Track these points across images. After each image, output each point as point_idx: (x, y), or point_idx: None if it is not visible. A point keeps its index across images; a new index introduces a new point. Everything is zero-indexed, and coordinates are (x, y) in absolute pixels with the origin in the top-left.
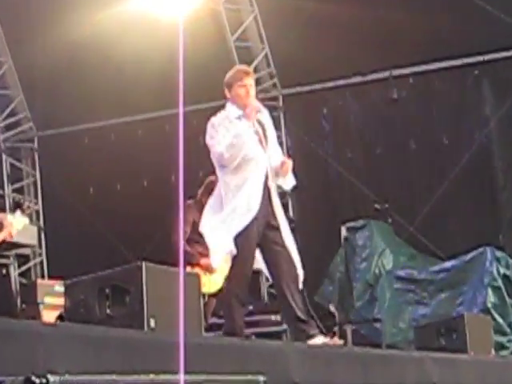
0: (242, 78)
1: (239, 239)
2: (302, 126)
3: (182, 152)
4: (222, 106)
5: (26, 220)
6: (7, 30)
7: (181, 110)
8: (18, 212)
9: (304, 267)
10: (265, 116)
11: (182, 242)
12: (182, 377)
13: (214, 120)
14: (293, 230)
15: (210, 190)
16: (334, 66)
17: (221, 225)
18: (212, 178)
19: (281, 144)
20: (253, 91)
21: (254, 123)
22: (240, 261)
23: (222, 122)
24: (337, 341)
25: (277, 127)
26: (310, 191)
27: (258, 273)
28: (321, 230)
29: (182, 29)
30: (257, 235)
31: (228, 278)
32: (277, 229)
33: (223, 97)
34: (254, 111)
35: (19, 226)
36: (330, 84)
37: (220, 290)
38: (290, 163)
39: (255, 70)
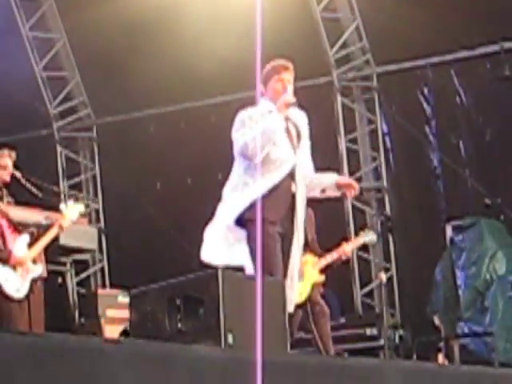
0: (279, 71)
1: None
2: (400, 108)
3: None
4: (307, 87)
5: (81, 207)
6: (59, 2)
7: (258, 92)
8: (71, 201)
9: (405, 274)
10: (301, 118)
11: (259, 247)
12: None
13: (242, 113)
14: (390, 230)
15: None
16: (435, 40)
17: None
18: None
19: (375, 130)
20: (290, 88)
21: (288, 122)
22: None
23: (251, 115)
24: None
25: (370, 110)
26: (410, 184)
27: (350, 280)
28: (422, 230)
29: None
30: (275, 242)
31: None
32: (289, 244)
33: (305, 76)
34: (286, 103)
35: (73, 216)
36: (432, 60)
37: (308, 300)
38: (355, 186)
39: (344, 45)
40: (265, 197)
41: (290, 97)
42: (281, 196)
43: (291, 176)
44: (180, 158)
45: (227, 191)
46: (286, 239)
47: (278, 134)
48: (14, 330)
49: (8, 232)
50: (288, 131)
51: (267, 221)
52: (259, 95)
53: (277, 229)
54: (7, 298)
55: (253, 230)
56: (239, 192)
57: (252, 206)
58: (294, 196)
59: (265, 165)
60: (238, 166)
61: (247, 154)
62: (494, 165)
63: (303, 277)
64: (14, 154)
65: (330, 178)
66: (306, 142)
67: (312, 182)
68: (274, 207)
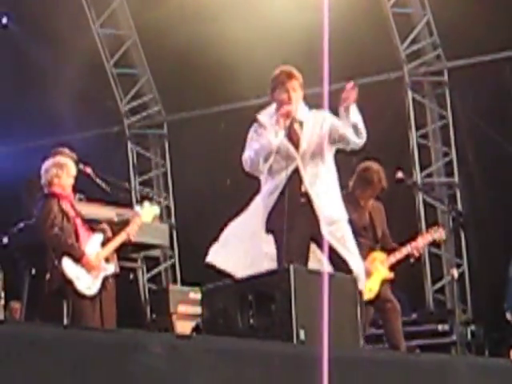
0: (284, 81)
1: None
2: (473, 104)
3: None
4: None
5: (157, 210)
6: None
7: (326, 87)
8: (147, 202)
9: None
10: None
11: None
12: None
13: (254, 124)
14: (462, 226)
15: (364, 181)
16: (508, 33)
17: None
18: (367, 164)
19: (447, 125)
20: (296, 95)
21: (294, 122)
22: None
23: (256, 129)
24: None
25: (442, 106)
26: (484, 180)
27: (421, 276)
28: (494, 226)
29: None
30: (297, 249)
31: None
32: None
33: (376, 72)
34: (281, 118)
35: (148, 218)
36: (505, 54)
37: (378, 296)
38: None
39: (415, 40)
40: (277, 206)
41: (290, 107)
42: (291, 201)
43: (298, 175)
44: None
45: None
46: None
47: (278, 145)
48: (88, 327)
49: (82, 230)
50: (291, 133)
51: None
52: (327, 92)
53: (297, 234)
54: (79, 295)
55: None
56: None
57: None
58: (306, 194)
59: (271, 174)
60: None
61: (247, 170)
62: None
63: (373, 274)
64: (74, 155)
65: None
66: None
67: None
68: (289, 213)
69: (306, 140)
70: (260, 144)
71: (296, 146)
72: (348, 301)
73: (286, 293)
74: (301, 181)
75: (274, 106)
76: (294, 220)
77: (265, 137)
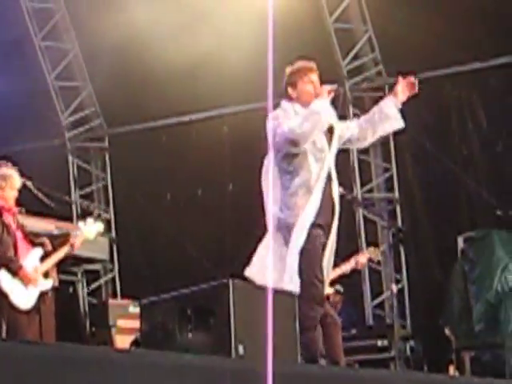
0: (307, 73)
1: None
2: (413, 120)
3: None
4: None
5: (100, 227)
6: (71, 11)
7: (270, 102)
8: (90, 219)
9: (416, 285)
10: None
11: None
12: None
13: (276, 112)
14: (401, 241)
15: None
16: (448, 51)
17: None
18: None
19: (387, 141)
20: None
21: None
22: (306, 280)
23: (287, 112)
24: None
25: None
26: (421, 195)
27: (361, 292)
28: (434, 242)
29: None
30: (320, 248)
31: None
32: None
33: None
34: (327, 92)
35: (91, 235)
36: (444, 71)
37: None
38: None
39: (357, 56)
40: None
41: (333, 86)
42: (326, 200)
43: (329, 177)
44: (190, 169)
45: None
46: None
47: (324, 121)
48: (24, 340)
49: (22, 244)
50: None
51: (315, 224)
52: (271, 106)
53: (321, 232)
54: (14, 308)
55: (294, 234)
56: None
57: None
58: (333, 200)
59: (310, 154)
60: (275, 164)
61: (294, 139)
62: (505, 176)
63: None
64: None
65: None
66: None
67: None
68: (322, 210)
69: (336, 139)
70: (310, 110)
71: (329, 142)
72: (287, 316)
73: (224, 307)
74: (331, 180)
75: (291, 107)
76: (322, 218)
77: (314, 104)
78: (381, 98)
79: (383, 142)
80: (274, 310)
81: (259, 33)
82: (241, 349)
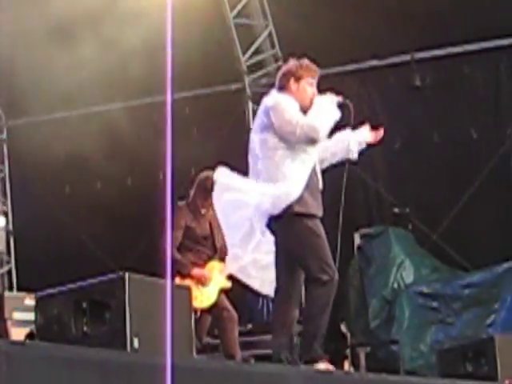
0: (313, 75)
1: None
2: None
3: (171, 145)
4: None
5: (1, 222)
6: None
7: (168, 97)
8: None
9: None
10: None
11: (169, 249)
12: None
13: (273, 100)
14: None
15: (204, 190)
16: (347, 48)
17: None
18: (207, 173)
19: None
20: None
21: None
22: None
23: (287, 104)
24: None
25: None
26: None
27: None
28: (330, 238)
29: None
30: (320, 233)
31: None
32: None
33: (217, 82)
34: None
35: None
36: (343, 68)
37: (216, 305)
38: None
39: (257, 51)
40: (306, 191)
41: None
42: (316, 191)
43: (315, 169)
44: (89, 162)
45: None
46: None
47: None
48: None
49: None
50: None
51: (312, 215)
52: (171, 100)
53: (318, 224)
54: None
55: (298, 224)
56: (280, 182)
57: (300, 200)
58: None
59: (302, 154)
60: (274, 152)
61: (313, 136)
62: (402, 173)
63: (210, 282)
64: None
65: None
66: None
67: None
68: (315, 201)
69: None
70: (330, 114)
71: None
72: (182, 310)
73: (120, 301)
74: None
75: (287, 97)
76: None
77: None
78: None
79: None
80: (170, 305)
81: (159, 27)
82: (136, 342)
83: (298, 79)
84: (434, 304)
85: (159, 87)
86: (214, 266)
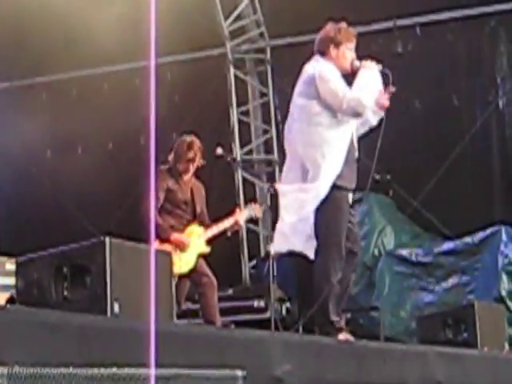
0: (352, 40)
1: (329, 210)
2: (293, 83)
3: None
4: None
5: None
6: None
7: (152, 61)
8: None
9: None
10: None
11: (153, 214)
12: (153, 371)
13: (317, 68)
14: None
15: (182, 154)
16: (328, 14)
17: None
18: (184, 138)
19: (267, 103)
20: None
21: None
22: (331, 237)
23: (331, 75)
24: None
25: (263, 83)
26: None
27: (238, 252)
28: None
29: None
30: (348, 208)
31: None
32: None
33: (199, 48)
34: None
35: None
36: None
37: (195, 271)
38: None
39: (239, 17)
40: (345, 164)
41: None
42: (352, 162)
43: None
44: (71, 126)
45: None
46: None
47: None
48: None
49: None
50: None
51: (346, 188)
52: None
53: (347, 196)
54: None
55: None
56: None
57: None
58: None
59: (345, 124)
60: (317, 120)
61: (359, 111)
62: (383, 140)
63: (189, 247)
64: None
65: None
66: None
67: None
68: (350, 172)
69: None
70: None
71: None
72: (163, 276)
73: (101, 265)
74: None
75: (326, 65)
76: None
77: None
78: (261, 60)
79: (263, 103)
80: (149, 269)
81: None
82: (116, 307)
83: (337, 45)
84: (415, 271)
85: (141, 52)
86: (193, 230)
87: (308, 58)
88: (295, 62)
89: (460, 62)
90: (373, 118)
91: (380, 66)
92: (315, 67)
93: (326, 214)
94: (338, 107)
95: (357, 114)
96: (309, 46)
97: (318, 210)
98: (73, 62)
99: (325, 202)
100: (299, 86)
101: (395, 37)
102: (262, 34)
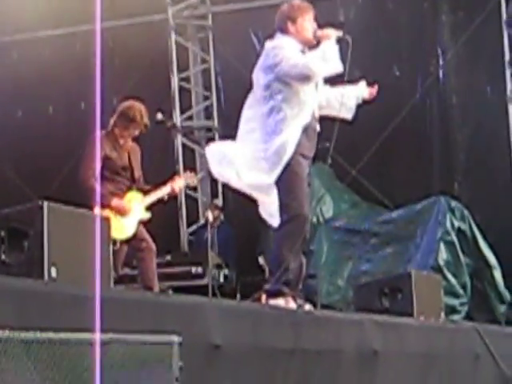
0: (308, 12)
1: (289, 177)
2: (234, 49)
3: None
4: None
5: None
6: None
7: (97, 26)
8: None
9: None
10: None
11: (96, 179)
12: (98, 336)
13: (275, 42)
14: None
15: (126, 118)
16: None
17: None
18: (129, 103)
19: (208, 70)
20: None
21: None
22: (293, 205)
23: (288, 46)
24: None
25: (204, 50)
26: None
27: (177, 218)
28: None
29: None
30: (306, 172)
31: (280, 232)
32: None
33: (141, 13)
34: (325, 36)
35: None
36: (266, 2)
37: (134, 236)
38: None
39: None
40: (304, 133)
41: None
42: (312, 133)
43: (312, 114)
44: (10, 90)
45: (255, 116)
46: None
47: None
48: None
49: None
50: None
51: (302, 154)
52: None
53: (308, 163)
54: None
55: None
56: (273, 119)
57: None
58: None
59: (296, 106)
60: (271, 93)
61: (307, 73)
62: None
63: (129, 214)
64: None
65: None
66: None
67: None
68: (308, 143)
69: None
70: (317, 53)
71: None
72: (102, 241)
73: (38, 229)
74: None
75: (287, 40)
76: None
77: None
78: (203, 27)
79: (204, 69)
80: (87, 235)
81: None
82: (54, 271)
83: (294, 20)
84: (352, 239)
85: (83, 17)
86: (133, 196)
87: (249, 25)
88: (237, 28)
89: (401, 32)
90: (353, 105)
91: (340, 33)
92: (272, 41)
93: (287, 180)
94: (288, 72)
95: (305, 78)
96: (250, 12)
97: (279, 178)
98: (14, 25)
99: (285, 169)
100: (259, 61)
101: (337, 5)
102: (203, 1)
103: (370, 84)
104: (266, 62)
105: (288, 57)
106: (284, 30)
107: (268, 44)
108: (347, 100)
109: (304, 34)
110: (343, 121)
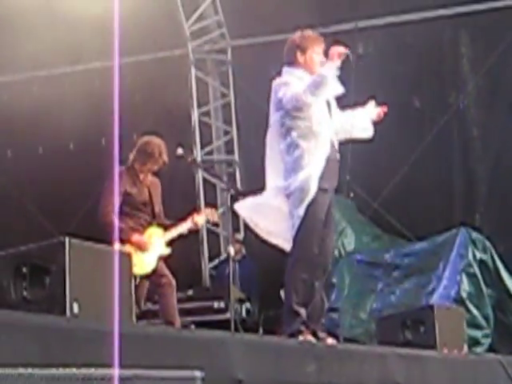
0: (318, 44)
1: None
2: (253, 83)
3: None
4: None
5: None
6: None
7: (116, 61)
8: None
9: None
10: None
11: (115, 214)
12: (116, 372)
13: (282, 79)
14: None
15: (144, 154)
16: (290, 15)
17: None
18: (148, 138)
19: (228, 104)
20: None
21: None
22: (304, 238)
23: (292, 82)
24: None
25: (224, 84)
26: (262, 159)
27: (198, 253)
28: None
29: None
30: (324, 209)
31: (291, 262)
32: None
33: (161, 48)
34: (338, 54)
35: None
36: (287, 36)
37: (154, 272)
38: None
39: (201, 17)
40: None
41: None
42: (331, 164)
43: (330, 144)
44: (31, 126)
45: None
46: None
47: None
48: None
49: None
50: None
51: (321, 189)
52: (118, 64)
53: (328, 196)
54: None
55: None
56: (291, 156)
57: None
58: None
59: (312, 138)
60: (287, 129)
61: (295, 105)
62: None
63: (150, 249)
64: None
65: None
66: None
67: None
68: (329, 174)
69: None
70: (312, 79)
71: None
72: (123, 276)
73: (60, 266)
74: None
75: (294, 72)
76: (329, 182)
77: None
78: (223, 61)
79: (224, 104)
80: (109, 270)
81: None
82: (76, 307)
83: (303, 51)
84: (375, 272)
85: (102, 53)
86: (154, 232)
87: (269, 59)
88: (256, 62)
89: (421, 63)
90: (369, 126)
91: (347, 50)
92: (279, 78)
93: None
94: (285, 105)
95: (295, 108)
96: (269, 46)
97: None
98: (34, 61)
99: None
100: (270, 100)
101: (356, 38)
102: (223, 35)
103: (379, 104)
104: (274, 100)
105: (289, 91)
106: (292, 61)
107: (275, 82)
108: (359, 121)
109: (312, 65)
110: (365, 156)
